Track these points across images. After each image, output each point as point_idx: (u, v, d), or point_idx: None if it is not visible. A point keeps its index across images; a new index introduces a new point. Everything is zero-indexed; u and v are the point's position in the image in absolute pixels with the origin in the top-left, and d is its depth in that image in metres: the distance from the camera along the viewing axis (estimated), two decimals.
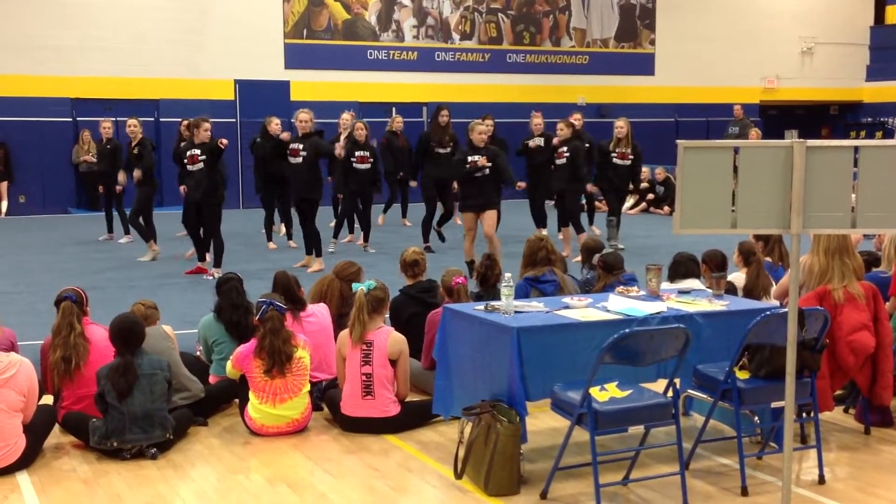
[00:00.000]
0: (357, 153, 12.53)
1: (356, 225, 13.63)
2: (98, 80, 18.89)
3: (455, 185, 12.49)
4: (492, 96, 21.03)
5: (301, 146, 11.30)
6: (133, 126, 12.91)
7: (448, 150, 13.17)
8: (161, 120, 18.99)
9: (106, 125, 14.14)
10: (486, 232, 10.52)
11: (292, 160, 11.35)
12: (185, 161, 11.06)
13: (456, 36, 22.24)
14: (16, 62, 18.44)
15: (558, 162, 12.56)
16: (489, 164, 10.46)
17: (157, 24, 19.33)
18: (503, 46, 22.66)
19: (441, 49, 22.09)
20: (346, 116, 13.94)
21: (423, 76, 21.79)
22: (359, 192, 12.74)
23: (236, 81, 19.99)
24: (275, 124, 13.01)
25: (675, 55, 24.06)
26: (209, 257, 11.25)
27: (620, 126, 12.84)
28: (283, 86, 20.21)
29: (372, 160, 12.64)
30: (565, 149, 12.50)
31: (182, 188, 11.80)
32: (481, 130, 10.68)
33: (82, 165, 18.71)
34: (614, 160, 12.72)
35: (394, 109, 18.80)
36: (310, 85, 20.29)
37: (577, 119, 13.49)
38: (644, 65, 24.10)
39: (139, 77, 19.11)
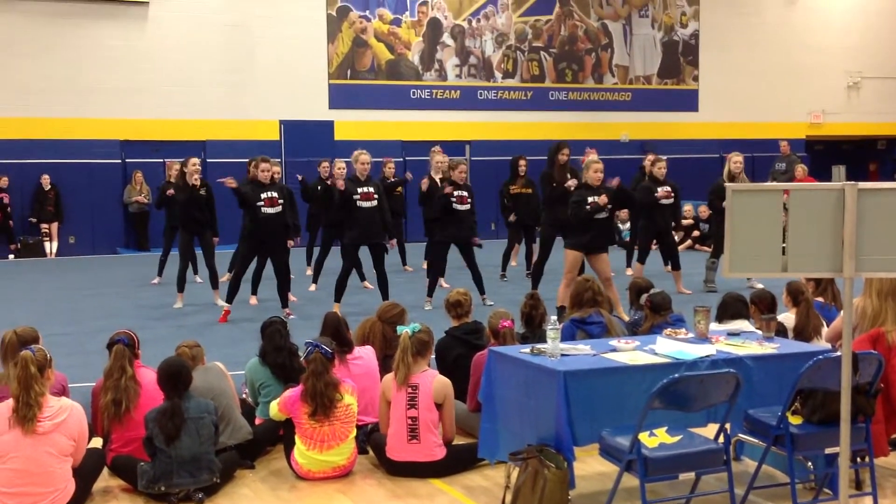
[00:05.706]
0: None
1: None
2: (146, 122, 19.27)
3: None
4: (534, 134, 21.06)
5: (371, 189, 10.89)
6: (194, 165, 12.22)
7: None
8: (208, 161, 19.23)
9: (176, 167, 13.50)
10: (605, 275, 9.94)
11: (365, 204, 10.78)
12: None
13: (498, 74, 22.37)
14: (66, 105, 18.88)
15: (665, 202, 12.47)
16: (609, 205, 10.16)
17: (204, 65, 19.72)
18: (545, 84, 22.74)
19: (483, 87, 22.23)
20: (441, 157, 13.36)
21: (466, 114, 21.93)
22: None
23: (281, 122, 20.26)
24: (338, 168, 12.30)
25: (718, 90, 23.97)
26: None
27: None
28: (328, 125, 20.44)
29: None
30: (669, 188, 12.47)
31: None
32: (596, 168, 10.24)
33: (133, 206, 19.02)
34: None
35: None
36: (354, 124, 20.49)
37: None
38: (688, 101, 24.05)
39: (186, 119, 19.47)
